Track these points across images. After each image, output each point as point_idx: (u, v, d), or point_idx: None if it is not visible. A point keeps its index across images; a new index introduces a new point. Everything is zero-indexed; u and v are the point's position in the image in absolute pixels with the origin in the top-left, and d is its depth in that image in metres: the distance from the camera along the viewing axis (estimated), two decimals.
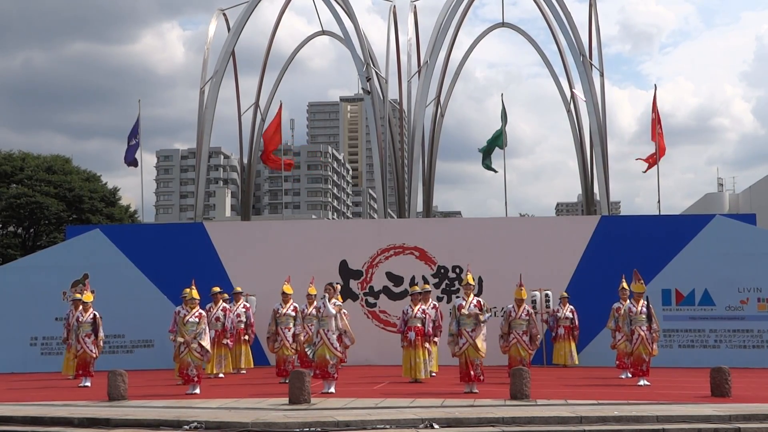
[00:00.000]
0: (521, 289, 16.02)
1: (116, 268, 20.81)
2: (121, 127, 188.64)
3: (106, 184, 49.27)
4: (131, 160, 24.64)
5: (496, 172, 28.28)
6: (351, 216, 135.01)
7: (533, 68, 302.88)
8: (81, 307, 16.60)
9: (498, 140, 26.81)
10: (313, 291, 15.73)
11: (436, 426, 10.48)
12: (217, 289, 18.61)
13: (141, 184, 25.61)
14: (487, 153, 27.23)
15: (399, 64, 27.76)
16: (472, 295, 14.64)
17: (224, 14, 27.18)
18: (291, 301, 16.40)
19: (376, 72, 26.71)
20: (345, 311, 14.69)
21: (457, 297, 17.23)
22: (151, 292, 20.64)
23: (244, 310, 19.04)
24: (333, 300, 14.46)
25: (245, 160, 29.20)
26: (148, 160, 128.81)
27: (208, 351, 15.01)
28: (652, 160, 24.35)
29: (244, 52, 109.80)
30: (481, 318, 14.28)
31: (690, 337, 20.00)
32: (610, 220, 21.52)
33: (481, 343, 14.27)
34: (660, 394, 13.50)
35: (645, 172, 24.59)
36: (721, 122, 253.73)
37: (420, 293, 17.01)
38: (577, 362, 19.67)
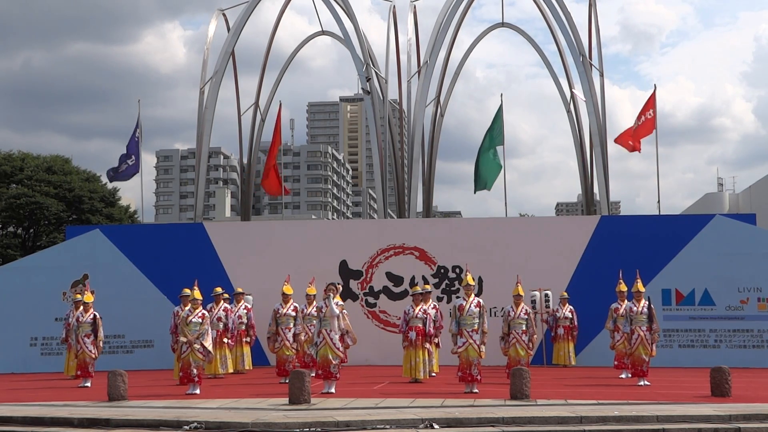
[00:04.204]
0: (518, 286, 16.06)
1: (116, 268, 20.82)
2: (122, 127, 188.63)
3: (105, 184, 49.18)
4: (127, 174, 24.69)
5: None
6: (351, 216, 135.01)
7: (533, 68, 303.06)
8: (82, 308, 16.60)
9: (494, 140, 26.72)
10: (312, 291, 15.72)
11: (436, 426, 10.49)
12: (219, 289, 18.62)
13: (141, 184, 25.63)
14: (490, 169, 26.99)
15: (399, 64, 27.77)
16: (472, 295, 14.65)
17: (224, 14, 27.19)
18: (291, 301, 16.40)
19: (376, 72, 26.72)
20: (345, 311, 14.69)
21: (458, 297, 17.26)
22: (151, 292, 20.65)
23: (245, 311, 19.06)
24: (334, 300, 14.45)
25: (245, 160, 29.20)
26: (148, 160, 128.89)
27: (210, 351, 15.03)
28: (634, 143, 24.35)
29: (244, 52, 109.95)
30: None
31: (690, 337, 20.01)
32: (610, 220, 21.52)
33: (482, 347, 14.36)
34: (660, 394, 13.51)
35: (631, 150, 24.52)
36: (723, 122, 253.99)
37: (421, 293, 17.03)
38: (574, 362, 19.68)
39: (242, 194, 30.07)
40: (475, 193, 28.61)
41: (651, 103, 24.21)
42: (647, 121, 23.98)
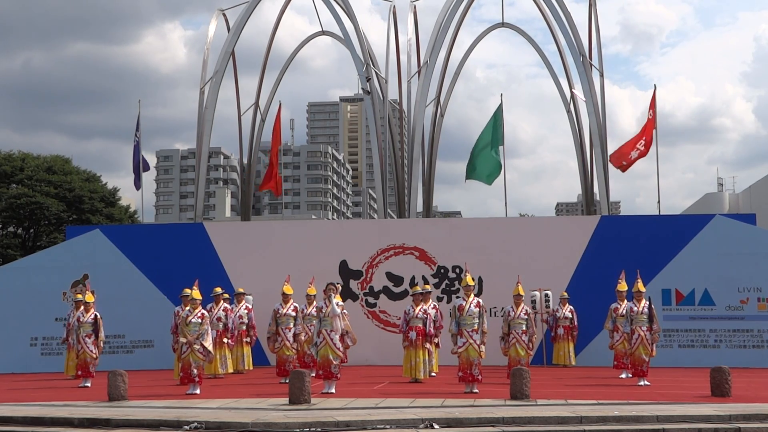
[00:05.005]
0: (518, 286, 16.06)
1: (116, 268, 20.82)
2: (122, 127, 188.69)
3: (106, 184, 49.30)
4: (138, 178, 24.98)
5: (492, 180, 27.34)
6: (351, 216, 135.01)
7: (533, 68, 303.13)
8: (82, 308, 16.60)
9: (492, 141, 26.61)
10: (312, 291, 15.73)
11: (436, 426, 10.49)
12: (219, 289, 18.62)
13: (141, 184, 25.59)
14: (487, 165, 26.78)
15: (399, 64, 27.76)
16: (472, 296, 14.65)
17: (224, 14, 27.18)
18: (291, 301, 16.40)
19: (376, 72, 26.71)
20: (346, 311, 14.70)
21: (457, 297, 17.25)
22: (151, 292, 20.65)
23: (246, 311, 19.06)
24: (335, 300, 14.44)
25: (245, 160, 29.20)
26: (148, 160, 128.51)
27: (210, 352, 15.03)
28: (629, 160, 24.22)
29: (244, 52, 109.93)
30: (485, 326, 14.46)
31: (690, 337, 20.01)
32: (610, 220, 21.52)
33: (482, 347, 14.35)
34: (660, 394, 13.51)
35: (624, 169, 24.35)
36: (723, 122, 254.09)
37: (421, 293, 17.04)
38: (574, 363, 19.68)
39: (242, 194, 30.07)
40: (465, 181, 28.23)
41: (649, 130, 24.08)
42: (644, 149, 23.98)
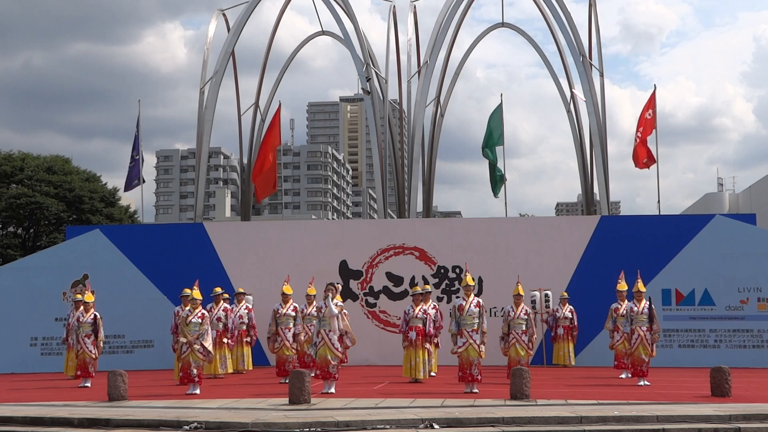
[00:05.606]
0: (518, 286, 16.06)
1: (116, 268, 20.82)
2: (122, 127, 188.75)
3: (105, 184, 49.27)
4: (133, 182, 24.67)
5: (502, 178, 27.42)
6: (351, 216, 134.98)
7: (533, 68, 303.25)
8: (82, 308, 16.60)
9: (492, 139, 26.68)
10: (312, 291, 15.73)
11: (436, 426, 10.49)
12: (219, 289, 18.61)
13: (141, 184, 25.58)
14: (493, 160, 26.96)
15: (399, 64, 27.77)
16: (472, 295, 14.65)
17: (224, 14, 27.19)
18: (291, 301, 16.40)
19: (376, 72, 26.71)
20: (345, 312, 14.69)
21: (457, 297, 17.25)
22: (151, 292, 20.66)
23: (246, 311, 19.06)
24: (334, 300, 14.45)
25: (245, 160, 29.19)
26: (148, 160, 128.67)
27: (210, 352, 15.02)
28: (645, 160, 24.29)
29: (244, 52, 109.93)
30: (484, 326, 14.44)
31: (690, 337, 20.01)
32: (610, 220, 21.52)
33: (482, 347, 14.35)
34: (660, 394, 13.51)
35: (647, 167, 24.41)
36: (723, 122, 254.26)
37: (421, 294, 17.04)
38: (573, 363, 19.68)
39: (242, 194, 30.07)
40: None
41: (649, 127, 24.13)
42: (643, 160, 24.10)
